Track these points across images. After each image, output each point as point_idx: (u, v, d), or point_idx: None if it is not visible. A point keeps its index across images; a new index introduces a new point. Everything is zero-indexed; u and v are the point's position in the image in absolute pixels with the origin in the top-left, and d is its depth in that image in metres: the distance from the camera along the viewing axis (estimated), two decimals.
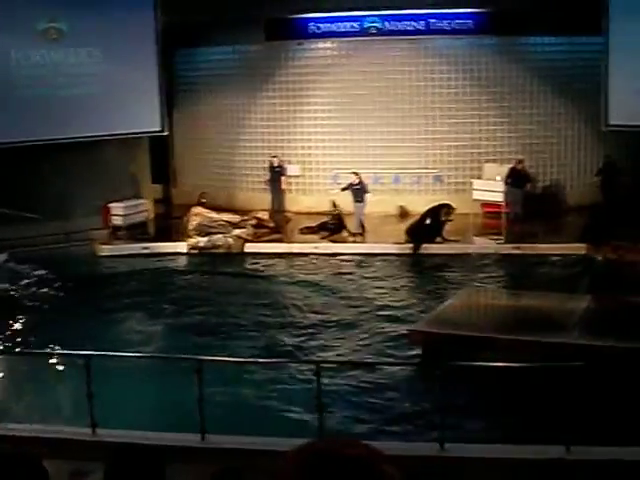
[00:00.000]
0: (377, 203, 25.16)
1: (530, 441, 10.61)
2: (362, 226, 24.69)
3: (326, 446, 2.14)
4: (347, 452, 2.07)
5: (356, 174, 24.98)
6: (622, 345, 14.26)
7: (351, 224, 24.79)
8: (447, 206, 24.10)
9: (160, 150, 29.66)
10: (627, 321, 16.10)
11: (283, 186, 27.86)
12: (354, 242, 24.29)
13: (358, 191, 24.71)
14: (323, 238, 24.53)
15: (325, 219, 25.14)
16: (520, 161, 25.98)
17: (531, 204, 25.79)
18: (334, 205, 25.04)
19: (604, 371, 12.53)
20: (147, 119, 26.72)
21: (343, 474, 2.01)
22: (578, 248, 22.48)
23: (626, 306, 17.29)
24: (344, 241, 24.37)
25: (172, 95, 29.10)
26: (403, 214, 26.51)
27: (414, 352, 15.84)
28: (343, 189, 24.95)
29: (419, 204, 25.59)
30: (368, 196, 24.78)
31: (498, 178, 24.84)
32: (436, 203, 24.48)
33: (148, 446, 4.74)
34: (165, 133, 27.66)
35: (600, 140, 27.35)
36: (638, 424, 11.55)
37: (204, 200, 26.49)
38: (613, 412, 12.22)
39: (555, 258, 22.31)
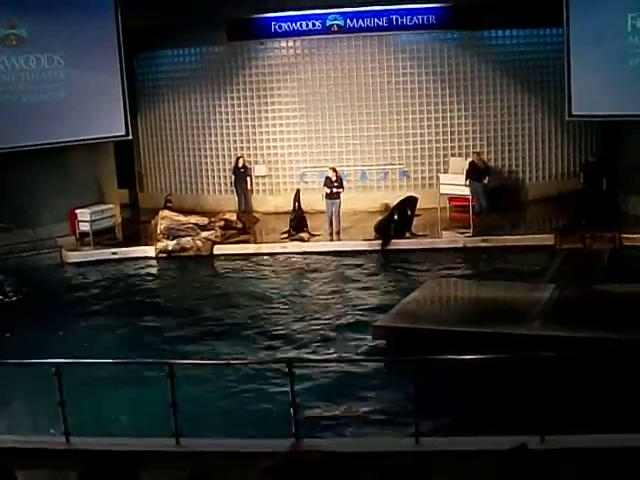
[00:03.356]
0: (344, 200, 25.10)
1: (503, 432, 10.65)
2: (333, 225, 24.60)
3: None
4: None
5: (334, 170, 24.89)
6: (586, 335, 14.31)
7: (317, 223, 24.75)
8: (411, 199, 24.18)
9: (125, 154, 29.53)
10: (591, 310, 16.18)
11: (249, 186, 27.87)
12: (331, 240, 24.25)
13: (335, 188, 24.61)
14: (284, 238, 24.50)
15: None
16: (477, 154, 26.17)
17: (497, 196, 25.96)
18: (296, 200, 24.91)
19: (569, 361, 12.60)
20: (111, 124, 26.53)
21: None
22: (546, 239, 22.62)
23: (591, 295, 17.41)
24: (305, 240, 24.30)
25: (136, 99, 29.01)
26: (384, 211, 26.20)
27: (380, 347, 15.88)
28: (327, 186, 24.73)
29: (386, 200, 25.67)
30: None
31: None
32: (401, 198, 24.58)
33: (121, 452, 4.70)
34: (130, 137, 27.49)
35: (564, 130, 27.59)
36: (605, 412, 11.64)
37: (170, 203, 26.42)
38: (581, 401, 12.31)
39: (523, 249, 22.42)
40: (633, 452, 9.49)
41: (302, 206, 24.96)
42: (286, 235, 24.55)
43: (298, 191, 25.24)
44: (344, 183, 25.01)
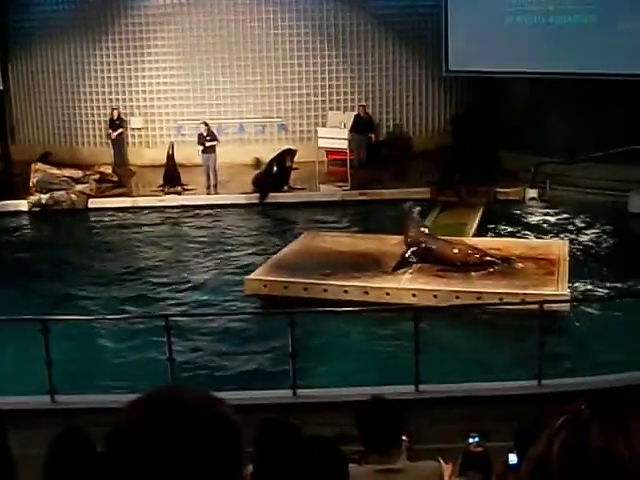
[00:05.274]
0: (221, 153, 24.91)
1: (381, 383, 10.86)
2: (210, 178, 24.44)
3: (166, 393, 2.07)
4: (187, 397, 2.02)
5: (205, 124, 24.68)
6: None
7: (193, 177, 24.59)
8: (290, 151, 24.19)
9: None
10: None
11: (124, 139, 27.42)
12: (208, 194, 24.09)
13: (208, 142, 24.38)
14: (157, 192, 24.24)
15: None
16: (363, 107, 26.34)
17: (376, 150, 26.17)
18: (170, 154, 24.64)
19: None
20: None
21: (184, 418, 1.96)
22: (422, 192, 22.89)
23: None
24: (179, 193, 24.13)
25: (7, 49, 28.10)
26: (257, 165, 26.12)
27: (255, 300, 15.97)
28: (200, 143, 24.46)
29: (264, 153, 25.59)
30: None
31: (343, 126, 25.04)
32: (279, 150, 24.57)
33: None
34: (0, 87, 26.72)
35: (442, 85, 27.93)
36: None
37: (49, 156, 25.81)
38: None
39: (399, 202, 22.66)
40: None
41: (176, 159, 24.69)
42: (160, 189, 24.29)
43: (171, 145, 24.94)
44: (217, 136, 24.78)
